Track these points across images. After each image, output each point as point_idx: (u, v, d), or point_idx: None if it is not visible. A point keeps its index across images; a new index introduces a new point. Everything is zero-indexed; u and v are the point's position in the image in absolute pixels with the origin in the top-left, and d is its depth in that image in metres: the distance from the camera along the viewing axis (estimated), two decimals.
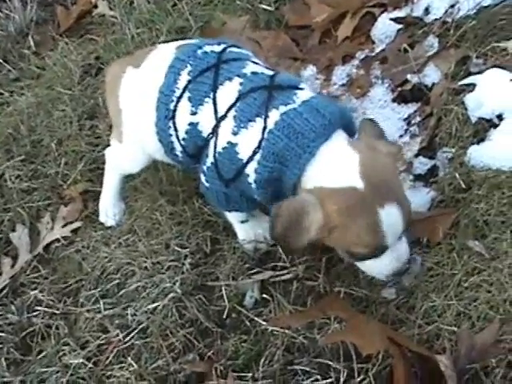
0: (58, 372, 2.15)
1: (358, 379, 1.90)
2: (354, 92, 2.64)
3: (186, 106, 2.07)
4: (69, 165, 2.77)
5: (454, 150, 2.26)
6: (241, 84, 2.01)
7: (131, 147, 2.33)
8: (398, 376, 1.82)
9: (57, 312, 2.32)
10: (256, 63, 2.11)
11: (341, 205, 1.78)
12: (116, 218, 2.56)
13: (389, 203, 1.77)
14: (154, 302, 2.22)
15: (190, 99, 2.07)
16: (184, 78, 2.09)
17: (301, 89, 2.00)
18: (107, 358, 2.14)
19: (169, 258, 2.32)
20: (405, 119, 2.48)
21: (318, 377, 1.94)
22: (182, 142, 2.12)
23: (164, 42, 2.82)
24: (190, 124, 2.07)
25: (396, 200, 1.79)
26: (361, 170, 1.79)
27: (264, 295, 2.16)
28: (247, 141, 1.94)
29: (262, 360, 2.02)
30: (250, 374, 2.00)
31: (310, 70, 2.78)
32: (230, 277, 2.23)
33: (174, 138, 2.13)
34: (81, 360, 2.15)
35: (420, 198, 2.23)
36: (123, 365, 2.11)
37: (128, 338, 2.17)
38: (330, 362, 1.95)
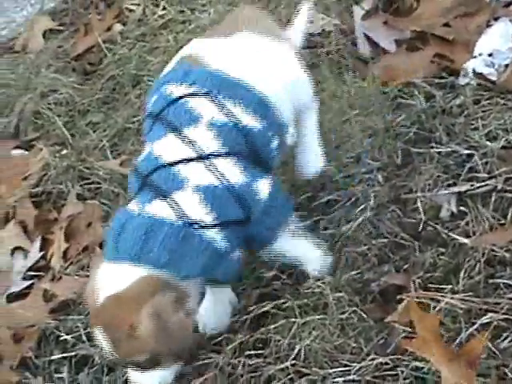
0: (250, 284, 2.16)
1: None
2: None
3: None
4: None
5: None
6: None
7: None
8: None
9: None
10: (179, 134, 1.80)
11: None
12: None
13: None
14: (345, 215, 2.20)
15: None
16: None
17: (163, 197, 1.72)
18: (300, 270, 2.13)
19: (360, 171, 2.29)
20: None
21: None
22: None
23: None
24: None
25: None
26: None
27: (461, 207, 2.09)
28: None
29: (462, 273, 1.96)
30: (450, 287, 1.94)
31: None
32: (426, 189, 2.17)
33: None
34: (275, 272, 2.15)
35: None
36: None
37: None
38: None
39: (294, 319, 2.02)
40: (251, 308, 2.09)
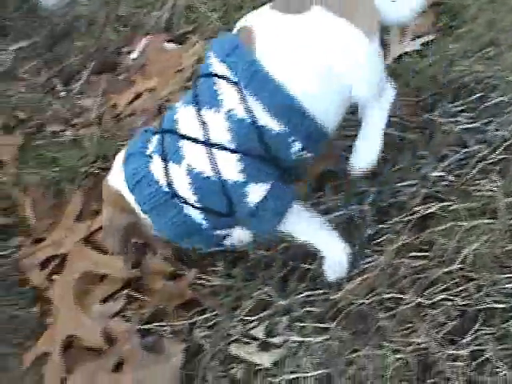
0: (414, 185, 2.10)
1: None
2: None
3: None
4: None
5: None
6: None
7: None
8: None
9: (411, 125, 2.25)
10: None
11: None
12: None
13: None
14: None
15: None
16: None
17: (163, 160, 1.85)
18: (467, 172, 2.06)
19: None
20: None
21: None
22: None
23: None
24: None
25: None
26: None
27: None
28: None
29: None
30: None
31: None
32: None
33: None
34: (441, 173, 2.08)
35: None
36: (486, 180, 2.02)
37: (490, 153, 2.07)
38: None
39: (460, 222, 1.95)
40: (416, 208, 2.03)
